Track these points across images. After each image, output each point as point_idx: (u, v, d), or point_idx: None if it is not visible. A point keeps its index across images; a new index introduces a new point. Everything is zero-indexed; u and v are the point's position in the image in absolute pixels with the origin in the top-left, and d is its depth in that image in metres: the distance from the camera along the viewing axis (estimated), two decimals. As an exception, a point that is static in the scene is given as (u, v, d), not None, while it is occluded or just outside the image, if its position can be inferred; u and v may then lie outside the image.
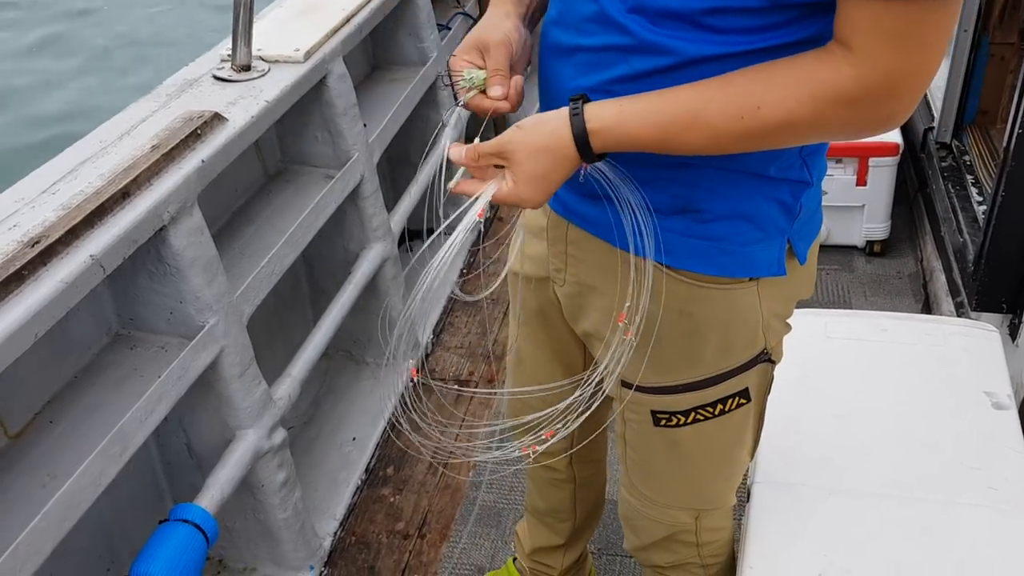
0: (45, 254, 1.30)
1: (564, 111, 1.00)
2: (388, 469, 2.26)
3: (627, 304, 1.14)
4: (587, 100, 1.00)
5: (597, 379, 1.19)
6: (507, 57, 1.09)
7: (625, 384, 1.29)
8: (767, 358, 1.25)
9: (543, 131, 1.01)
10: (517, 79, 1.11)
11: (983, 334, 1.75)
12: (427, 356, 2.65)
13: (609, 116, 0.99)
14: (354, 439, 2.33)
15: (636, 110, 0.99)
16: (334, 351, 2.54)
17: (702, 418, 1.26)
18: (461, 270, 2.98)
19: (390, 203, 2.49)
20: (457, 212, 1.06)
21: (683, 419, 1.27)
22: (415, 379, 1.29)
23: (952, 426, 1.55)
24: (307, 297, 2.52)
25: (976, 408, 1.57)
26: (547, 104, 1.17)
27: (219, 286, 1.66)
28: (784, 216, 1.13)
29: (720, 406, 1.26)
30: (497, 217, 3.29)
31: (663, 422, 1.28)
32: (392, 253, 2.43)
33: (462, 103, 1.11)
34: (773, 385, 1.66)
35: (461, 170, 1.10)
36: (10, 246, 1.31)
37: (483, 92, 1.10)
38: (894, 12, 0.86)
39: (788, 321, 1.26)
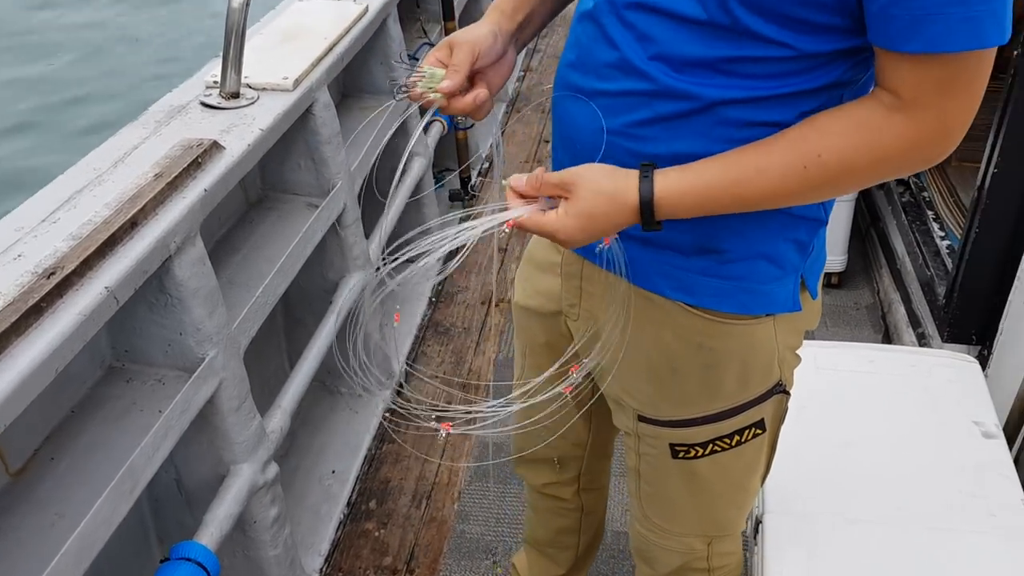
0: (62, 286, 1.26)
1: (635, 173, 1.02)
2: (371, 503, 2.22)
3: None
4: (655, 167, 1.02)
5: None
6: (469, 56, 1.11)
7: (644, 419, 1.31)
8: (782, 389, 1.28)
9: (613, 181, 1.03)
10: (479, 92, 1.12)
11: (965, 365, 1.81)
12: (401, 386, 2.62)
13: (674, 180, 1.01)
14: (333, 472, 2.29)
15: (699, 171, 1.01)
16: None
17: (719, 449, 1.29)
18: (430, 298, 2.97)
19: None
20: (479, 223, 1.07)
21: (701, 451, 1.29)
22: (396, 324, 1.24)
23: (947, 454, 1.60)
24: (281, 327, 2.48)
25: (968, 437, 1.63)
26: (564, 145, 1.18)
27: (219, 317, 1.63)
28: (799, 254, 1.17)
29: (737, 437, 1.28)
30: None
31: (681, 454, 1.30)
32: (370, 281, 2.41)
33: (403, 95, 1.12)
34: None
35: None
36: (24, 277, 1.26)
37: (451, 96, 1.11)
38: (938, 63, 0.90)
39: (797, 352, 1.30)
